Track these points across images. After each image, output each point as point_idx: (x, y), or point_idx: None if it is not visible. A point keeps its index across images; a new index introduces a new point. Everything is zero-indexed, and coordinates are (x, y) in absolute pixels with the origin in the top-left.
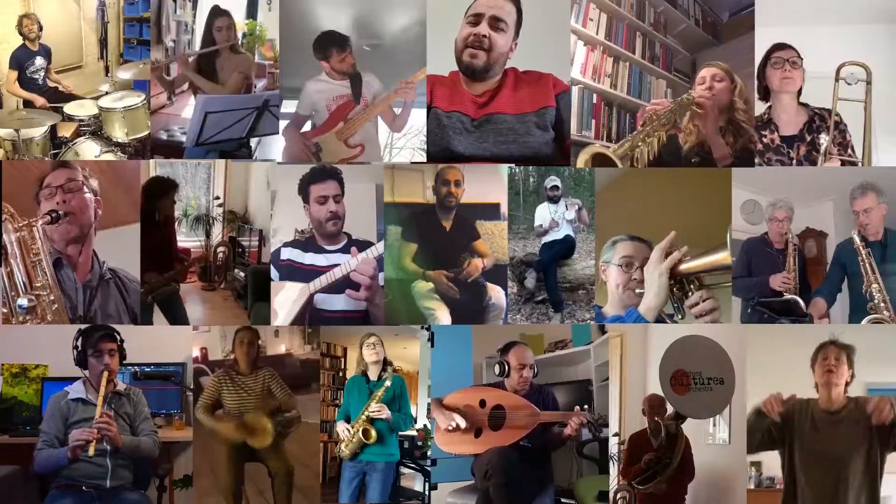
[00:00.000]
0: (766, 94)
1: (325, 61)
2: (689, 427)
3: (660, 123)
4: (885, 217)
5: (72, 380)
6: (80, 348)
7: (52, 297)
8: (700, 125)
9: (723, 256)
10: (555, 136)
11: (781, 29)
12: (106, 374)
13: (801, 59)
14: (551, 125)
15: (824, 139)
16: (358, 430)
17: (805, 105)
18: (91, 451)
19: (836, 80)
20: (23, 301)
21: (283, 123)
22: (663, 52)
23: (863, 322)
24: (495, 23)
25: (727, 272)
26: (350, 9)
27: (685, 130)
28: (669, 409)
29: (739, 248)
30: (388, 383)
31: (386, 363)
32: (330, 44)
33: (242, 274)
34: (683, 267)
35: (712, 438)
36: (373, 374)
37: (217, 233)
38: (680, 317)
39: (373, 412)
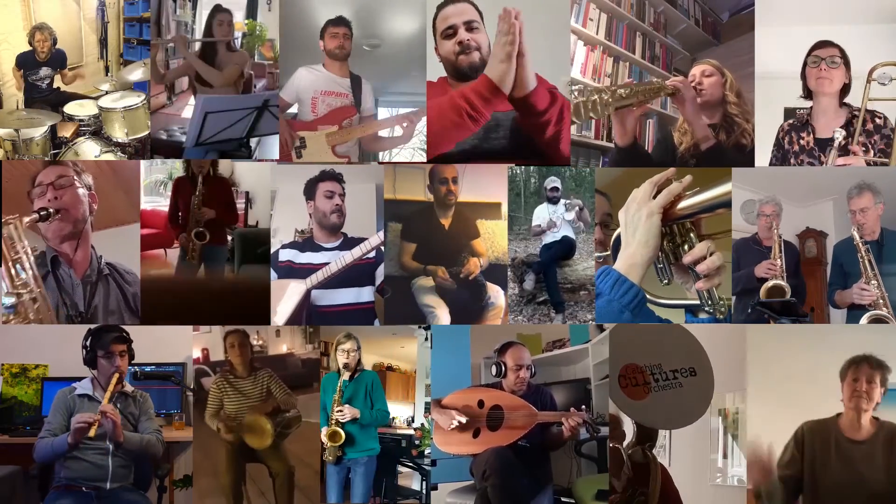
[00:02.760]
0: (808, 93)
1: (321, 40)
2: (684, 465)
3: (625, 92)
4: (881, 217)
5: (72, 379)
6: (89, 348)
7: (32, 296)
8: (680, 109)
9: (725, 189)
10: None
11: (781, 29)
12: (116, 374)
13: (843, 57)
14: None
15: (839, 134)
16: (326, 436)
17: (847, 105)
18: (92, 433)
19: (868, 81)
20: (5, 300)
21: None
22: (663, 52)
23: (862, 320)
24: (469, 25)
25: (727, 215)
26: (351, 9)
27: (679, 130)
28: (627, 429)
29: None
30: (339, 384)
31: (358, 365)
32: (328, 20)
33: (230, 237)
34: (683, 205)
35: (721, 476)
36: (344, 376)
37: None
38: (665, 281)
39: (337, 415)
